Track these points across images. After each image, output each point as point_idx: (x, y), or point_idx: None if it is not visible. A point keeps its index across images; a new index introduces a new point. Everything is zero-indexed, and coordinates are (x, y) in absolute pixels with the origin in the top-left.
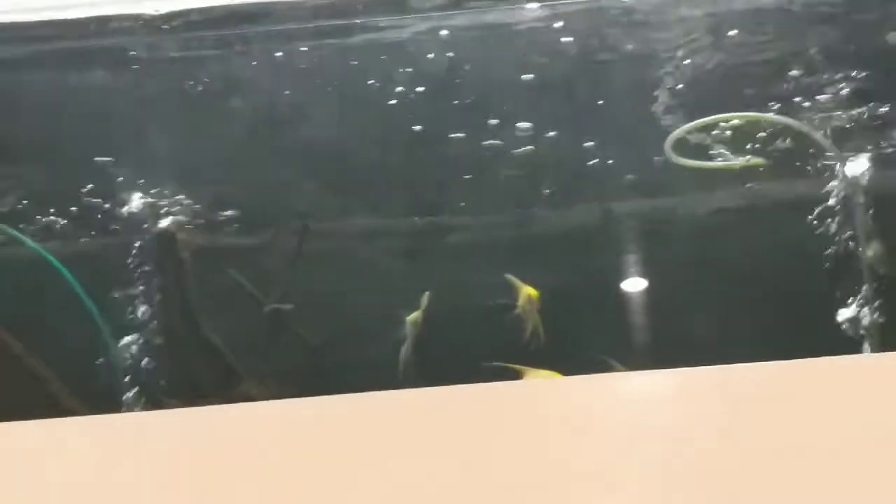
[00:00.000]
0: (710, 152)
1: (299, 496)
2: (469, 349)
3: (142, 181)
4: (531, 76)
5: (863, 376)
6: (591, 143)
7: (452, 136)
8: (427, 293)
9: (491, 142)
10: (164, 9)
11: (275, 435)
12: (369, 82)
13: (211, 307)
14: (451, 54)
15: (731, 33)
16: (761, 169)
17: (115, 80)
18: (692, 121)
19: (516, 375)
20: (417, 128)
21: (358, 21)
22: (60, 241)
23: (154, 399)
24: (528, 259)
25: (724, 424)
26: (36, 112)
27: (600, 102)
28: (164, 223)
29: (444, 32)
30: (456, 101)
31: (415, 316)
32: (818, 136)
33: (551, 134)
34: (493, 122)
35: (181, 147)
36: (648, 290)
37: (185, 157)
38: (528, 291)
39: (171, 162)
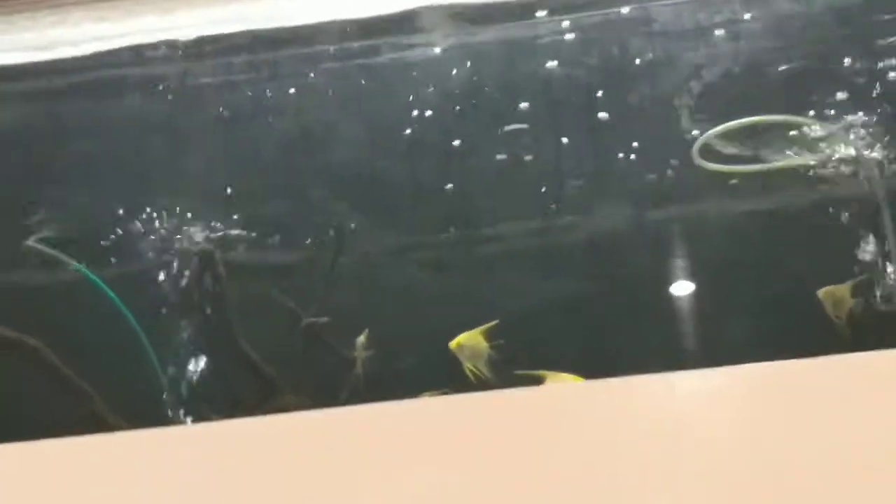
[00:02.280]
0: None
1: None
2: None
3: (179, 203)
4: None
5: None
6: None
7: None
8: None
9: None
10: (193, 35)
11: (310, 444)
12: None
13: (249, 322)
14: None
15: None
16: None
17: (150, 106)
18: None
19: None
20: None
21: (384, 40)
22: (103, 263)
23: (196, 413)
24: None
25: (747, 424)
26: (76, 139)
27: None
28: (202, 243)
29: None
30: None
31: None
32: (844, 137)
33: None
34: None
35: (216, 170)
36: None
37: (220, 179)
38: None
39: (206, 184)
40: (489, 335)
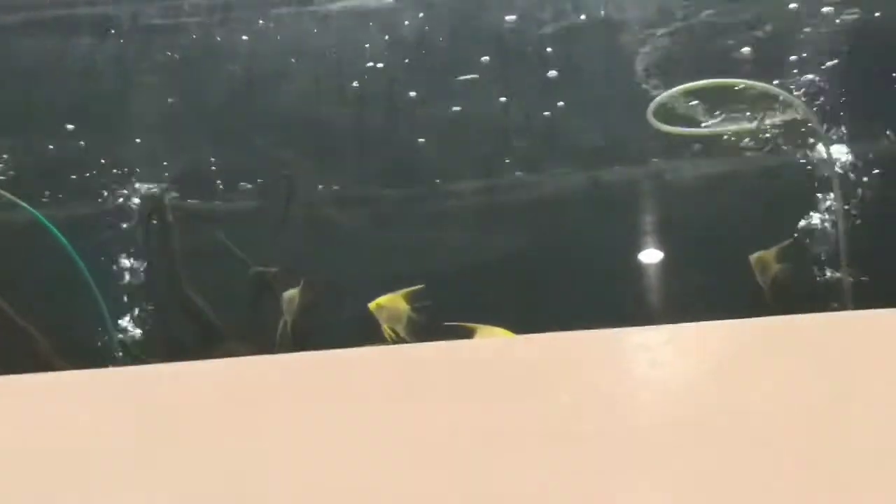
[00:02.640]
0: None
1: (272, 451)
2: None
3: (127, 147)
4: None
5: (841, 333)
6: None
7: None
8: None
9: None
10: None
11: (250, 390)
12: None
13: (197, 269)
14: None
15: None
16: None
17: (100, 47)
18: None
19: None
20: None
21: None
22: (53, 206)
23: (139, 357)
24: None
25: (679, 382)
26: (25, 78)
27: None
28: (151, 188)
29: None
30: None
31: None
32: (798, 104)
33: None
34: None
35: (165, 113)
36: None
37: (169, 123)
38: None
39: (156, 128)
40: (411, 298)
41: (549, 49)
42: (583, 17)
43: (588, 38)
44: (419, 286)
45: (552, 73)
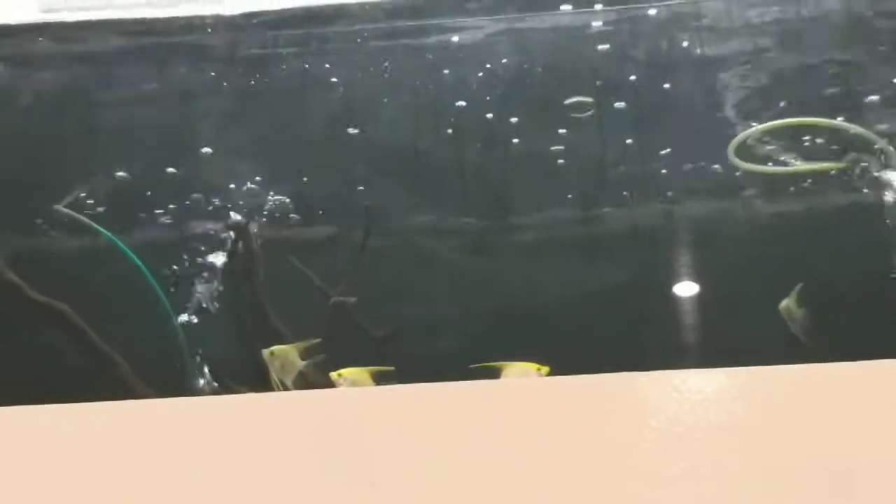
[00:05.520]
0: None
1: (344, 480)
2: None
3: (217, 174)
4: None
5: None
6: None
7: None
8: None
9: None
10: (239, 9)
11: (315, 421)
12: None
13: (279, 298)
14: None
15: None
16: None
17: (196, 76)
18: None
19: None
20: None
21: (432, 22)
22: (135, 232)
23: (222, 385)
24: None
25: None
26: (119, 106)
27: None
28: (238, 216)
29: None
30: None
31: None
32: (879, 140)
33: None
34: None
35: (256, 142)
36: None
37: (261, 152)
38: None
39: (246, 156)
40: (376, 377)
41: (640, 83)
42: (676, 52)
43: (680, 74)
44: (389, 368)
45: (641, 107)
